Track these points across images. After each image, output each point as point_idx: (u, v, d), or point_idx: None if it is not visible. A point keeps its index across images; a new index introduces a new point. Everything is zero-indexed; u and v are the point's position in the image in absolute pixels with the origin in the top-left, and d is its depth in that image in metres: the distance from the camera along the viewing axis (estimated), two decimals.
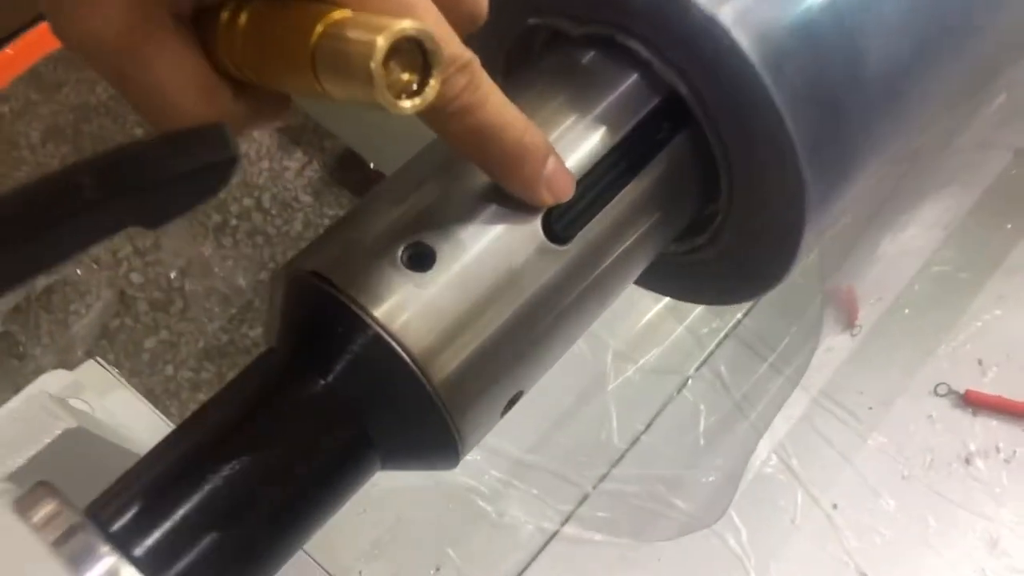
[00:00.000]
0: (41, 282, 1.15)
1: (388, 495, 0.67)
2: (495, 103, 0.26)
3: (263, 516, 0.27)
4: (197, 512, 0.25)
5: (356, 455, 0.28)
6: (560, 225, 0.29)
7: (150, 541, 0.24)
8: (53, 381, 0.48)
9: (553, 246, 0.28)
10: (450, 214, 0.28)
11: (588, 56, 0.30)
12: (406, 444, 0.28)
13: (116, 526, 0.24)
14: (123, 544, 0.23)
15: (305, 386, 0.28)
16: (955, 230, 0.75)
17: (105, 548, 0.23)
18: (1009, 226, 0.75)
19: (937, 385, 0.73)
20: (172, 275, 1.16)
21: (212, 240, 1.17)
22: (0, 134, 1.37)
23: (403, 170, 0.30)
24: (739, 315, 0.77)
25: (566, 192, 0.28)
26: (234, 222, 1.18)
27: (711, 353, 0.76)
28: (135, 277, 1.16)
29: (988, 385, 0.72)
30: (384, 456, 0.28)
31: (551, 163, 0.27)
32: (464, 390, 0.28)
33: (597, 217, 0.29)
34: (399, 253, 0.27)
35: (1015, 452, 0.70)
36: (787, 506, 0.70)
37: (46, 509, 0.23)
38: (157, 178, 0.18)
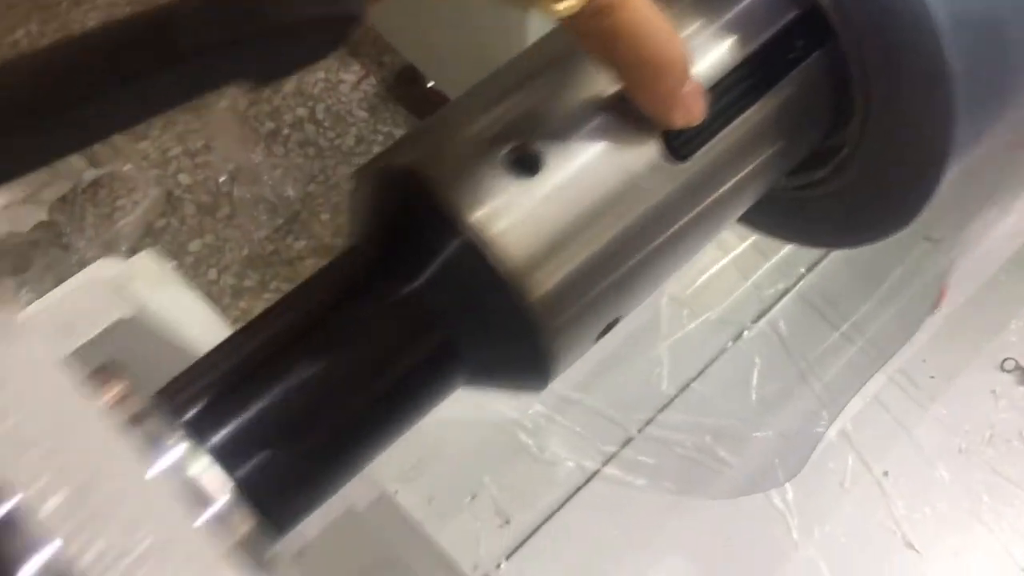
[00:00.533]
0: (89, 174, 1.13)
1: (429, 420, 0.66)
2: (641, 5, 0.23)
3: (338, 421, 0.25)
4: (272, 410, 0.23)
5: (440, 366, 0.26)
6: (680, 140, 0.26)
7: (223, 433, 0.22)
8: (107, 268, 0.46)
9: (671, 162, 0.26)
10: (561, 117, 0.26)
11: None
12: (493, 361, 0.26)
13: (188, 415, 0.22)
14: (196, 433, 0.22)
15: (391, 289, 0.26)
16: None
17: (179, 434, 0.21)
18: None
19: (1004, 360, 0.70)
20: (221, 179, 1.14)
21: (263, 147, 1.15)
22: (56, 21, 1.35)
23: (511, 65, 0.28)
24: (802, 269, 0.75)
25: (699, 116, 0.25)
26: (286, 131, 1.16)
27: (771, 306, 0.73)
28: (183, 178, 1.15)
29: None
30: (469, 371, 0.26)
31: (691, 83, 0.25)
32: (561, 310, 0.25)
33: (720, 135, 0.27)
34: (501, 154, 0.25)
35: None
36: (836, 469, 0.68)
37: (115, 389, 0.21)
38: (280, 24, 0.16)
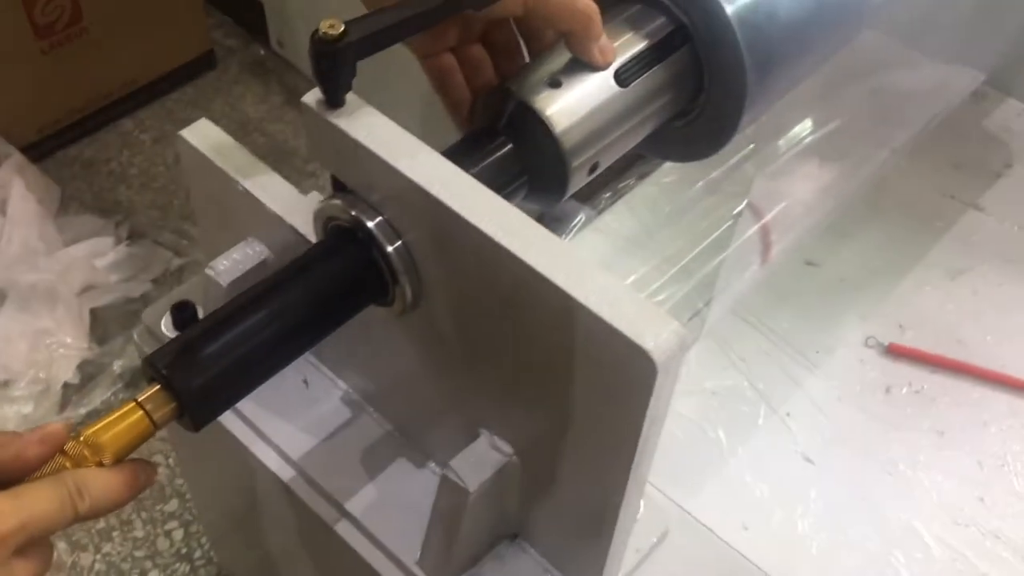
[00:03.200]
0: (176, 262, 1.45)
1: None
2: None
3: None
4: None
5: (517, 176, 0.55)
6: (621, 79, 0.57)
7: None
8: None
9: (620, 87, 0.57)
10: (567, 67, 0.57)
11: (636, 6, 0.59)
12: (541, 181, 0.56)
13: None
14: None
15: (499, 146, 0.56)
16: (892, 231, 1.03)
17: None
18: (940, 224, 1.04)
19: (867, 338, 0.99)
20: None
21: None
22: (142, 156, 1.68)
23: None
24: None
25: (612, 57, 0.56)
26: None
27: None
28: None
29: (906, 342, 0.98)
30: (529, 187, 0.56)
31: (604, 38, 0.55)
32: (574, 151, 0.55)
33: (637, 80, 0.57)
34: (544, 81, 0.56)
35: (923, 387, 0.96)
36: (752, 413, 0.95)
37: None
38: None
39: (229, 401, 0.51)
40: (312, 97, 0.51)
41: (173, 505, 1.34)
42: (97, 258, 1.47)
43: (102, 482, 0.46)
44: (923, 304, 1.02)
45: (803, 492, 0.89)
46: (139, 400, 0.48)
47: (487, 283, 0.48)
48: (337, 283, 0.52)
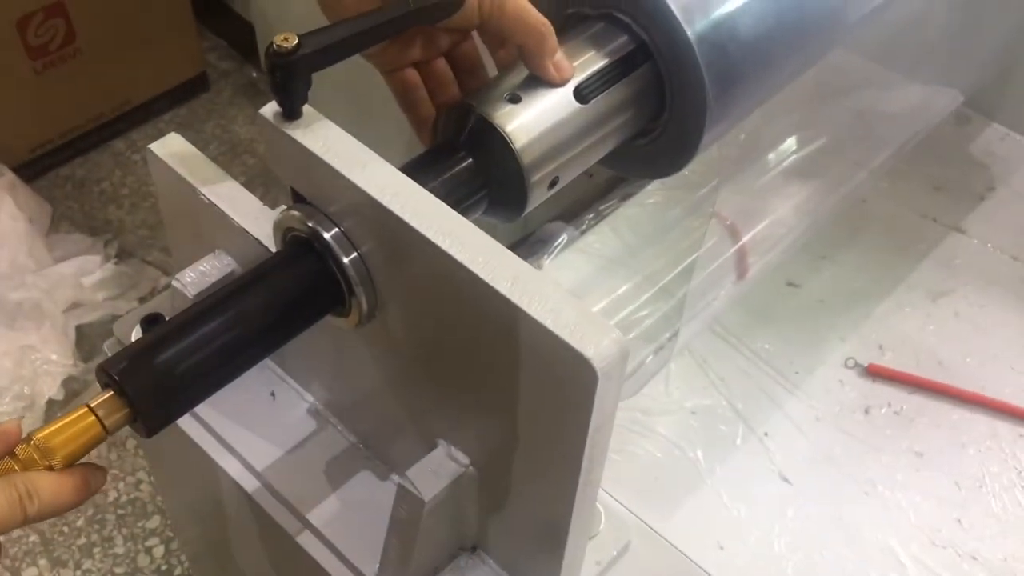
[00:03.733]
0: (163, 280, 1.45)
1: None
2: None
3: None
4: None
5: (477, 190, 0.56)
6: (581, 96, 0.57)
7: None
8: None
9: (580, 104, 0.57)
10: (527, 83, 0.57)
11: (599, 24, 0.60)
12: (499, 195, 0.56)
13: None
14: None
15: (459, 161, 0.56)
16: (873, 254, 1.03)
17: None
18: (922, 246, 1.04)
19: (847, 359, 0.98)
20: None
21: None
22: (134, 176, 1.69)
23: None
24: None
25: (570, 73, 0.56)
26: None
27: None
28: None
29: (886, 363, 0.98)
30: (489, 201, 0.56)
31: (560, 54, 0.56)
32: (534, 167, 0.55)
33: (598, 97, 0.58)
34: (504, 96, 0.56)
35: (902, 407, 0.95)
36: (730, 433, 0.94)
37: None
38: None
39: (183, 407, 0.51)
40: (269, 110, 0.52)
41: (155, 522, 1.33)
42: (85, 276, 1.48)
43: (52, 485, 0.46)
44: (904, 326, 1.02)
45: (780, 512, 0.88)
46: (91, 405, 0.48)
47: (437, 294, 0.49)
48: (293, 293, 0.52)
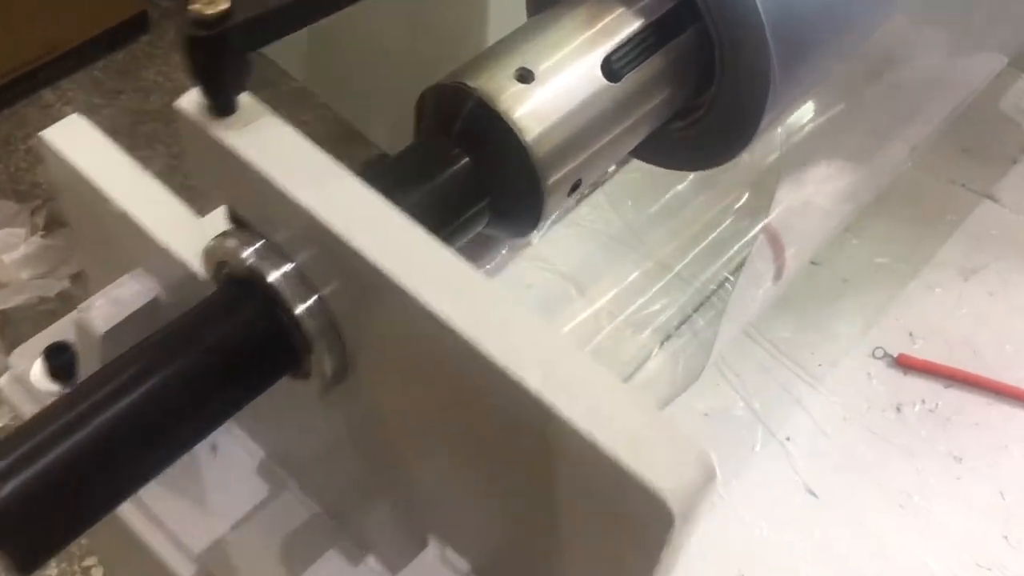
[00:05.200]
0: None
1: None
2: None
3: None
4: None
5: (476, 199, 0.43)
6: (613, 69, 0.44)
7: None
8: None
9: (610, 82, 0.44)
10: (544, 50, 0.44)
11: None
12: (505, 204, 0.43)
13: None
14: None
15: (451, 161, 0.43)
16: (898, 226, 0.93)
17: None
18: (951, 217, 0.93)
19: (875, 349, 0.88)
20: None
21: None
22: None
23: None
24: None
25: None
26: None
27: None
28: None
29: (916, 352, 0.88)
30: (492, 212, 0.43)
31: None
32: (551, 166, 0.43)
33: (636, 69, 0.45)
34: (513, 73, 0.43)
35: (937, 404, 0.85)
36: (748, 437, 0.84)
37: None
38: None
39: (66, 538, 0.37)
40: (190, 101, 0.38)
41: None
42: (7, 252, 1.32)
43: None
44: (934, 308, 0.91)
45: (807, 531, 0.78)
46: None
47: (428, 363, 0.36)
48: (228, 355, 0.38)
